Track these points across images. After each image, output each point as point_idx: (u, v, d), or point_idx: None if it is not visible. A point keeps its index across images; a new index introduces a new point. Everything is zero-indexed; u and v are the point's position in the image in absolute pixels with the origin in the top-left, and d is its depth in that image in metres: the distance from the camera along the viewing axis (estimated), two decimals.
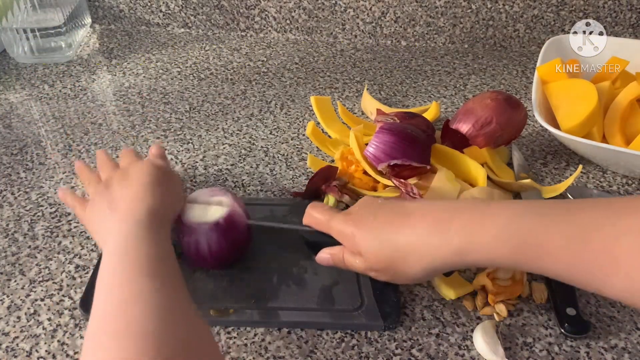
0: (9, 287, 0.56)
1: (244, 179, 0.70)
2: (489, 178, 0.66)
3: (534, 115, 0.70)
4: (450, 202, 0.49)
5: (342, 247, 0.50)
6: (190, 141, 0.77)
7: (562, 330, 0.52)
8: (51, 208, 0.66)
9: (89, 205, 0.53)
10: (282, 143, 0.77)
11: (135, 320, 0.37)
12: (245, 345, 0.51)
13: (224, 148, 0.76)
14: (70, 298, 0.55)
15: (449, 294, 0.54)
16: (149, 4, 1.05)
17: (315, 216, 0.52)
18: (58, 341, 0.51)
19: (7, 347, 0.50)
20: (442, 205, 0.46)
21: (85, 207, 0.54)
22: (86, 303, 0.53)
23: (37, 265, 0.58)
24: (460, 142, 0.69)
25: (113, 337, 0.36)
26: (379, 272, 0.48)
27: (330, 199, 0.63)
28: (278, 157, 0.74)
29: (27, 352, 0.50)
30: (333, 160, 0.72)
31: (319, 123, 0.78)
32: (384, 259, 0.46)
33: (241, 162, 0.73)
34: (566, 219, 0.40)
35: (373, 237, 0.46)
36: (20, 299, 0.55)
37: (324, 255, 0.52)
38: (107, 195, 0.51)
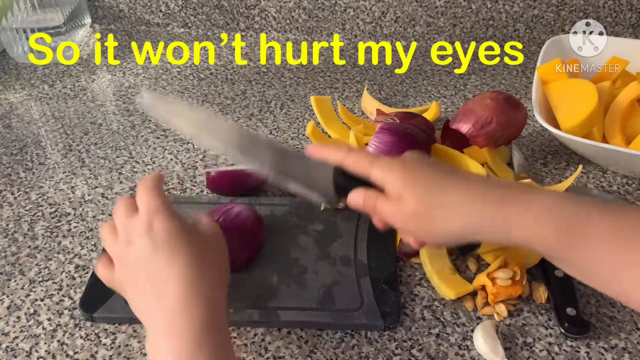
0: (9, 287, 0.56)
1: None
2: None
3: (534, 115, 0.70)
4: (502, 180, 0.48)
5: (377, 192, 0.47)
6: (190, 141, 0.77)
7: (562, 330, 0.52)
8: (51, 208, 0.66)
9: (117, 268, 0.46)
10: (282, 143, 0.77)
11: None
12: (245, 345, 0.51)
13: None
14: (70, 298, 0.55)
15: (449, 294, 0.54)
16: (149, 4, 1.05)
17: (353, 159, 0.48)
18: (58, 341, 0.51)
19: (7, 347, 0.50)
20: (496, 180, 0.46)
21: (109, 266, 0.47)
22: (86, 303, 0.53)
23: (37, 265, 0.58)
24: (460, 142, 0.69)
25: None
26: (411, 219, 0.45)
27: None
28: None
29: (27, 352, 0.50)
30: None
31: (319, 123, 0.78)
32: (426, 205, 0.44)
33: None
34: (610, 213, 0.40)
35: (422, 182, 0.45)
36: (20, 299, 0.55)
37: (356, 196, 0.47)
38: (144, 258, 0.44)
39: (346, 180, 0.49)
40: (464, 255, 0.52)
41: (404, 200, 0.44)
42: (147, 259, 0.43)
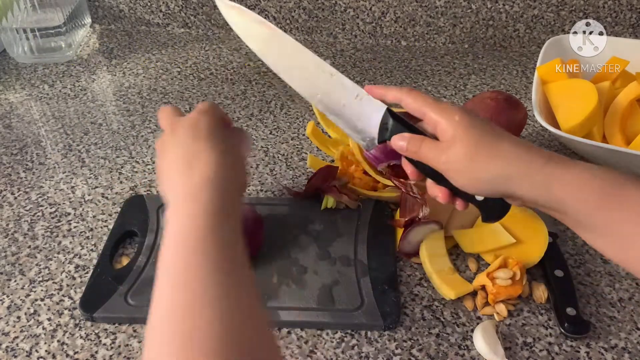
0: (9, 287, 0.56)
1: None
2: None
3: (534, 115, 0.70)
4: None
5: (423, 136, 0.47)
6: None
7: (562, 330, 0.52)
8: (51, 208, 0.66)
9: (160, 140, 0.50)
10: (282, 143, 0.77)
11: (202, 326, 0.36)
12: None
13: None
14: (70, 298, 0.55)
15: (449, 294, 0.54)
16: (149, 4, 1.05)
17: (409, 99, 0.48)
18: (58, 341, 0.51)
19: (7, 347, 0.50)
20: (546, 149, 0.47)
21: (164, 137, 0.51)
22: (86, 303, 0.53)
23: (37, 265, 0.58)
24: None
25: (177, 341, 0.35)
26: (456, 161, 0.45)
27: (330, 199, 0.63)
28: (278, 157, 0.74)
29: (27, 352, 0.50)
30: (333, 160, 0.72)
31: (319, 123, 0.78)
32: (476, 149, 0.44)
33: None
34: None
35: (478, 127, 0.45)
36: (20, 299, 0.55)
37: (399, 139, 0.48)
38: (184, 143, 0.48)
39: (395, 124, 0.48)
40: (488, 221, 0.49)
41: (456, 141, 0.45)
42: (188, 142, 0.47)
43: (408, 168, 0.49)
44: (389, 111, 0.49)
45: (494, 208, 0.47)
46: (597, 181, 0.42)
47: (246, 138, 0.54)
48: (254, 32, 0.59)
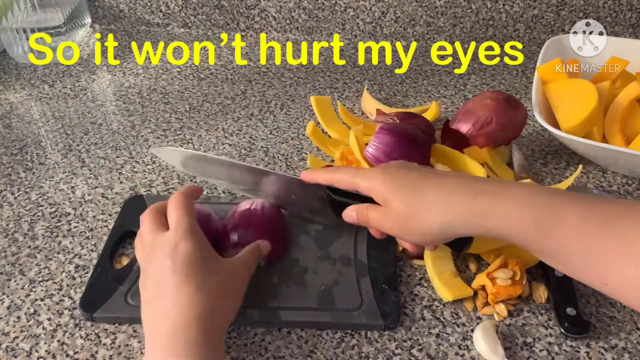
0: (9, 287, 0.56)
1: None
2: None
3: (534, 115, 0.70)
4: (481, 177, 0.49)
5: (368, 204, 0.50)
6: (190, 141, 0.77)
7: (562, 330, 0.52)
8: (51, 208, 0.66)
9: (141, 275, 0.49)
10: (282, 143, 0.77)
11: None
12: (245, 345, 0.51)
13: (224, 148, 0.76)
14: (70, 298, 0.55)
15: (447, 296, 0.54)
16: (149, 4, 1.05)
17: (338, 177, 0.52)
18: (58, 341, 0.51)
19: (7, 347, 0.50)
20: (475, 177, 0.48)
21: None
22: (86, 303, 0.53)
23: (37, 265, 0.58)
24: (460, 142, 0.69)
25: None
26: (395, 224, 0.48)
27: None
28: (278, 157, 0.74)
29: (27, 352, 0.50)
30: (333, 160, 0.72)
31: (319, 123, 0.78)
32: (406, 208, 0.46)
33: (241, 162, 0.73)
34: (585, 203, 0.42)
35: (402, 186, 0.47)
36: (20, 299, 0.55)
37: (350, 213, 0.52)
38: (155, 277, 0.46)
39: (340, 198, 0.53)
40: (458, 252, 0.53)
41: (389, 204, 0.47)
42: (164, 277, 0.45)
43: (371, 230, 0.53)
44: (330, 191, 0.54)
45: (457, 243, 0.50)
46: (530, 210, 0.42)
47: (259, 248, 0.54)
48: (190, 166, 0.64)
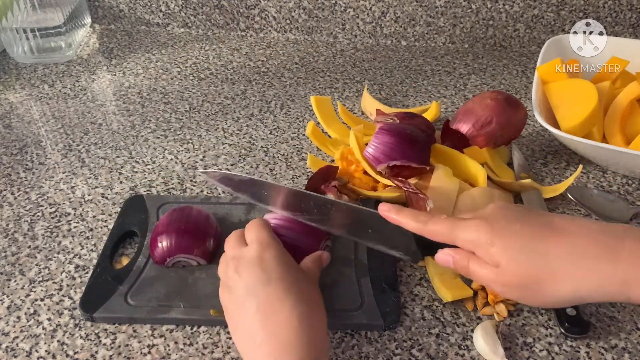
0: (9, 287, 0.56)
1: None
2: (489, 178, 0.66)
3: (534, 115, 0.70)
4: (612, 225, 0.42)
5: (469, 254, 0.44)
6: (190, 141, 0.77)
7: (562, 330, 0.52)
8: (51, 208, 0.66)
9: (222, 289, 0.47)
10: (282, 143, 0.77)
11: None
12: None
13: (224, 148, 0.76)
14: (70, 298, 0.55)
15: (447, 296, 0.54)
16: (149, 4, 1.05)
17: (431, 228, 0.45)
18: (58, 341, 0.51)
19: (7, 347, 0.50)
20: (605, 227, 0.41)
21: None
22: (86, 303, 0.53)
23: (37, 265, 0.58)
24: (460, 142, 0.69)
25: None
26: (512, 289, 0.42)
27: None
28: (278, 157, 0.74)
29: (27, 352, 0.50)
30: (333, 160, 0.72)
31: (319, 123, 0.78)
32: (527, 274, 0.40)
33: (241, 162, 0.73)
34: None
35: (518, 249, 0.41)
36: (20, 299, 0.55)
37: (445, 256, 0.46)
38: (247, 292, 0.43)
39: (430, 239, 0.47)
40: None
41: (502, 269, 0.41)
42: (259, 290, 0.43)
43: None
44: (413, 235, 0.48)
45: None
46: None
47: (320, 259, 0.52)
48: (250, 192, 0.57)
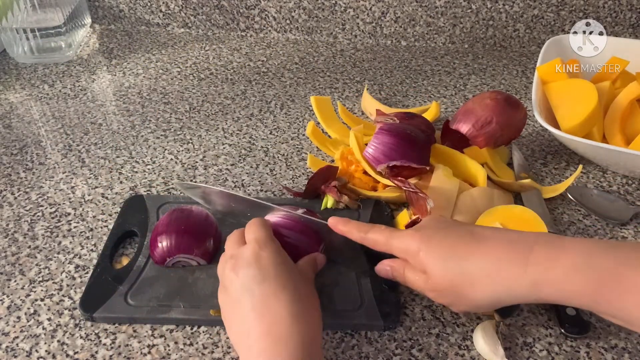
0: (9, 287, 0.56)
1: (244, 179, 0.70)
2: (489, 178, 0.66)
3: (534, 115, 0.70)
4: (525, 233, 0.45)
5: (404, 262, 0.48)
6: (190, 141, 0.77)
7: (562, 330, 0.52)
8: (51, 208, 0.66)
9: (220, 289, 0.48)
10: (282, 143, 0.77)
11: None
12: None
13: (224, 148, 0.76)
14: (70, 298, 0.55)
15: None
16: (149, 4, 1.05)
17: (371, 237, 0.49)
18: (58, 341, 0.51)
19: (7, 347, 0.50)
20: (519, 235, 0.44)
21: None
22: (86, 303, 0.53)
23: (37, 265, 0.58)
24: (460, 142, 0.69)
25: None
26: (440, 294, 0.46)
27: (330, 199, 0.63)
28: (278, 157, 0.74)
29: (27, 352, 0.50)
30: (333, 160, 0.72)
31: (319, 123, 0.78)
32: (449, 280, 0.44)
33: (241, 162, 0.73)
34: None
35: (441, 256, 0.44)
36: (20, 299, 0.55)
37: (384, 267, 0.50)
38: (243, 289, 0.44)
39: (373, 250, 0.50)
40: (504, 318, 0.51)
41: (429, 275, 0.45)
42: (254, 288, 0.44)
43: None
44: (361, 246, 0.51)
45: (505, 310, 0.49)
46: (587, 275, 0.39)
47: (315, 261, 0.53)
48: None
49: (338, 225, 0.51)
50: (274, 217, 0.55)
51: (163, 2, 1.05)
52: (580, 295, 0.40)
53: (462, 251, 0.44)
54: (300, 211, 0.56)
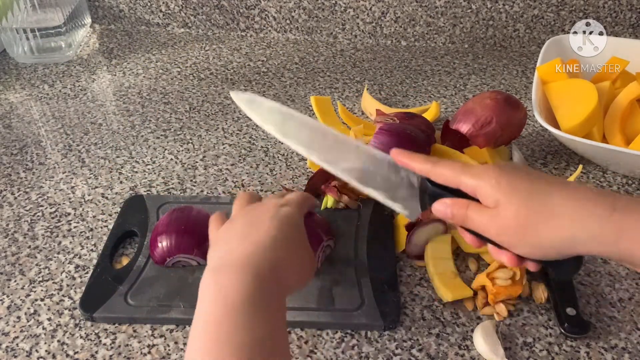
0: (9, 287, 0.56)
1: (244, 179, 0.70)
2: None
3: (534, 115, 0.70)
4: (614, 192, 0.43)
5: (468, 201, 0.43)
6: (190, 141, 0.77)
7: (562, 330, 0.52)
8: (51, 208, 0.66)
9: (226, 224, 0.48)
10: (282, 143, 0.77)
11: None
12: None
13: (224, 148, 0.76)
14: (70, 298, 0.55)
15: (447, 296, 0.54)
16: (149, 4, 1.05)
17: (439, 171, 0.45)
18: (58, 341, 0.51)
19: (7, 347, 0.50)
20: (604, 190, 0.43)
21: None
22: (86, 303, 0.53)
23: (37, 265, 0.58)
24: (460, 142, 0.69)
25: None
26: (505, 231, 0.41)
27: (330, 199, 0.63)
28: (278, 157, 0.74)
29: (27, 352, 0.50)
30: None
31: None
32: (526, 212, 0.40)
33: (241, 162, 0.73)
34: None
35: (521, 187, 0.41)
36: (20, 299, 0.55)
37: (441, 206, 0.45)
38: (249, 216, 0.47)
39: (434, 188, 0.45)
40: (560, 280, 0.47)
41: (501, 207, 0.41)
42: (259, 217, 0.46)
43: (466, 236, 0.46)
44: (423, 178, 0.47)
45: (566, 265, 0.43)
46: None
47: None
48: (270, 119, 0.54)
49: (403, 157, 0.47)
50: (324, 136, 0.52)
51: (163, 2, 1.05)
52: None
53: (545, 186, 0.41)
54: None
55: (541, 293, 0.55)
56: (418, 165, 0.46)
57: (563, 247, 0.40)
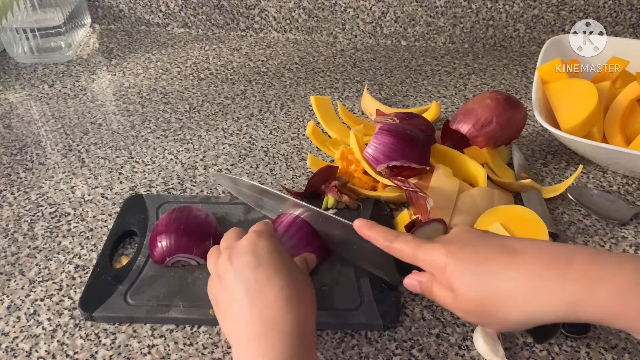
0: (9, 287, 0.56)
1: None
2: (489, 178, 0.66)
3: (534, 115, 0.70)
4: (564, 245, 0.42)
5: (433, 276, 0.44)
6: (190, 141, 0.77)
7: (562, 330, 0.52)
8: (51, 208, 0.66)
9: (212, 281, 0.47)
10: (282, 143, 0.77)
11: None
12: None
13: (224, 148, 0.76)
14: (70, 298, 0.55)
15: None
16: (149, 4, 1.05)
17: (397, 247, 0.46)
18: (58, 341, 0.51)
19: (7, 347, 0.50)
20: (556, 248, 0.41)
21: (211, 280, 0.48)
22: (86, 302, 0.53)
23: (37, 265, 0.58)
24: (460, 142, 0.69)
25: None
26: (469, 314, 0.43)
27: (330, 199, 0.63)
28: (278, 157, 0.74)
29: (27, 352, 0.50)
30: (333, 160, 0.72)
31: (319, 123, 0.78)
32: (479, 299, 0.40)
33: (241, 162, 0.73)
34: None
35: (469, 272, 0.41)
36: (20, 299, 0.55)
37: (412, 281, 0.47)
38: (238, 276, 0.44)
39: (400, 264, 0.48)
40: (540, 343, 0.48)
41: (456, 292, 0.42)
42: (248, 274, 0.44)
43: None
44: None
45: (542, 331, 0.44)
46: (633, 297, 0.36)
47: (305, 260, 0.53)
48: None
49: (363, 229, 0.48)
50: (302, 213, 0.56)
51: (163, 2, 1.05)
52: (624, 319, 0.37)
53: (493, 265, 0.40)
54: (331, 211, 0.56)
55: None
56: (378, 241, 0.47)
57: (527, 324, 0.41)
